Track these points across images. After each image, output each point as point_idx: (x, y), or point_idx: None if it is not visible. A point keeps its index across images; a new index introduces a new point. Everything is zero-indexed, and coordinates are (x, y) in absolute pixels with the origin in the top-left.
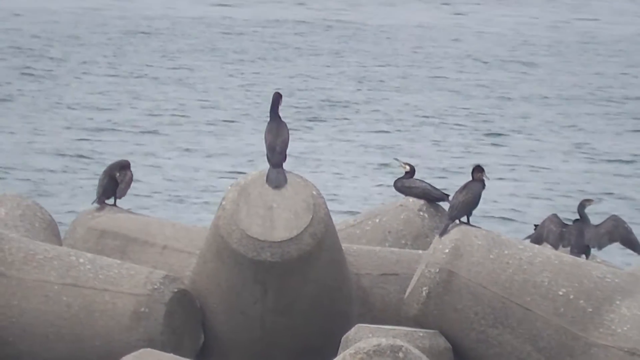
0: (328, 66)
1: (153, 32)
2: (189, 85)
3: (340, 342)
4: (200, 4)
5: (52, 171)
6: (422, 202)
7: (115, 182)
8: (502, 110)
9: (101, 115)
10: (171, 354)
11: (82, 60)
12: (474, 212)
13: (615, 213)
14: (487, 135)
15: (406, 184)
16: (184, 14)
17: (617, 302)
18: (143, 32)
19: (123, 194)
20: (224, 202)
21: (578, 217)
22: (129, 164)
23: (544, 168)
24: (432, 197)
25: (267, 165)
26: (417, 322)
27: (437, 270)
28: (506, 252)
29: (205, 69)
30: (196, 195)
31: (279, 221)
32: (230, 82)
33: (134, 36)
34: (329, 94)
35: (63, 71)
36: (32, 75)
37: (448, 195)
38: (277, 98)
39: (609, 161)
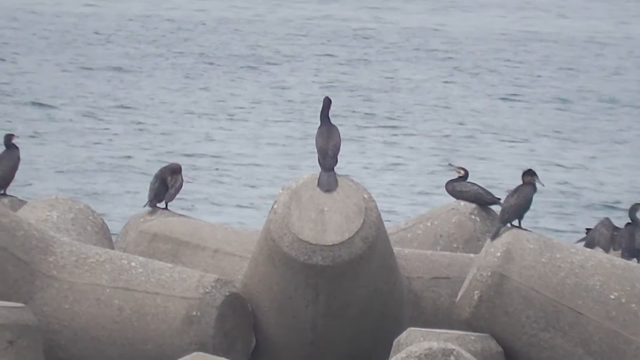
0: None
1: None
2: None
3: (391, 345)
4: None
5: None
6: (473, 205)
7: (166, 186)
8: None
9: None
10: (223, 358)
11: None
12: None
13: None
14: None
15: (457, 187)
16: None
17: None
18: None
19: (171, 198)
20: (275, 206)
21: (629, 220)
22: (180, 168)
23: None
24: (483, 200)
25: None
26: (468, 325)
27: (489, 273)
28: (558, 255)
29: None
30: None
31: (330, 225)
32: None
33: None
34: None
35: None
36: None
37: (499, 199)
38: (327, 102)
39: None
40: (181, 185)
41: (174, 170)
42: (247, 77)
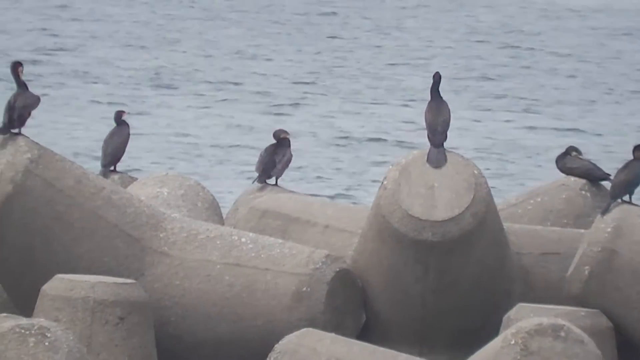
0: None
1: None
2: None
3: (501, 321)
4: None
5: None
6: (583, 181)
7: (274, 161)
8: None
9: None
10: (332, 334)
11: None
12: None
13: None
14: None
15: (568, 163)
16: None
17: None
18: None
19: (280, 173)
20: (385, 182)
21: None
22: (289, 143)
23: None
24: (594, 176)
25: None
26: (578, 301)
27: (599, 249)
28: None
29: None
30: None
31: (440, 200)
32: None
33: None
34: None
35: None
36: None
37: (610, 175)
38: (437, 77)
39: None
40: (289, 160)
41: (282, 144)
42: None
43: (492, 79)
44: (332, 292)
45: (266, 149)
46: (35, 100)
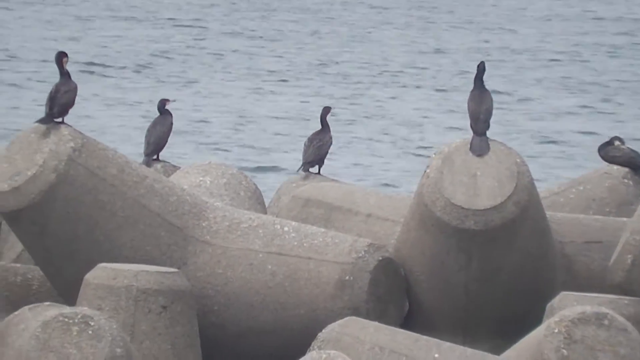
0: None
1: None
2: None
3: (544, 310)
4: None
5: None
6: (626, 169)
7: (314, 148)
8: None
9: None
10: (376, 322)
11: None
12: None
13: None
14: None
15: (610, 151)
16: None
17: None
18: None
19: (320, 160)
20: (427, 170)
21: None
22: (329, 130)
23: None
24: (636, 164)
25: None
26: (622, 289)
27: None
28: None
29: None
30: None
31: (482, 189)
32: None
33: None
34: None
35: None
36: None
37: None
38: (482, 66)
39: None
40: (329, 146)
41: (321, 131)
42: None
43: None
44: (375, 280)
45: (309, 138)
46: (75, 89)
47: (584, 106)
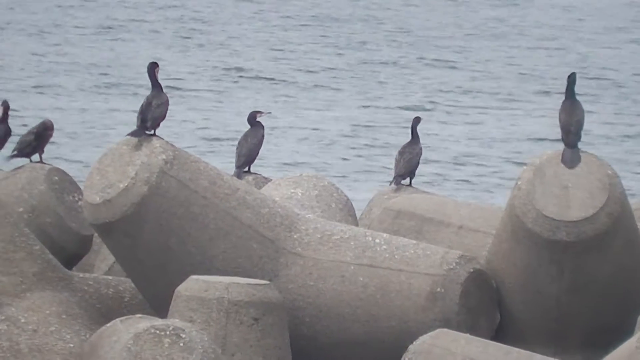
0: None
1: None
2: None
3: (636, 321)
4: None
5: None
6: None
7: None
8: None
9: None
10: (467, 334)
11: None
12: None
13: None
14: None
15: None
16: None
17: None
18: None
19: (408, 173)
20: (519, 182)
21: None
22: (419, 141)
23: None
24: None
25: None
26: None
27: None
28: None
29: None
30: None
31: (574, 201)
32: None
33: None
34: None
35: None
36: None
37: None
38: (573, 77)
39: None
40: (419, 158)
41: (411, 142)
42: None
43: None
44: (466, 292)
45: (400, 150)
46: (167, 101)
47: None
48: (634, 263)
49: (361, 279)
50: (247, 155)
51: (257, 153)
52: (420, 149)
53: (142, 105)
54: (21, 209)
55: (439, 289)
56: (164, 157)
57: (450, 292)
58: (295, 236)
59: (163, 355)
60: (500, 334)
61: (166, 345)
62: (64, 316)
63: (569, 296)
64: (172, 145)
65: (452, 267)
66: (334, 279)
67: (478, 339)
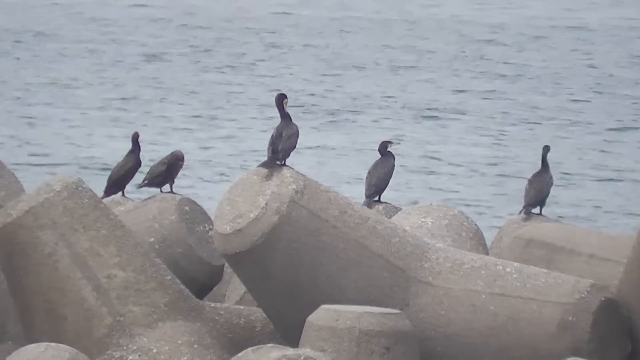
0: None
1: None
2: None
3: None
4: None
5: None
6: None
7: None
8: None
9: None
10: None
11: None
12: None
13: None
14: None
15: None
16: None
17: None
18: None
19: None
20: None
21: None
22: (549, 169)
23: None
24: None
25: None
26: None
27: None
28: None
29: None
30: None
31: None
32: None
33: None
34: None
35: None
36: None
37: None
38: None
39: None
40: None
41: (541, 171)
42: None
43: None
44: (597, 321)
45: (529, 179)
46: (297, 132)
47: None
48: None
49: (492, 308)
50: (377, 184)
51: (387, 182)
52: (551, 177)
53: (273, 136)
54: (152, 239)
55: (570, 318)
56: (294, 186)
57: (581, 321)
58: (426, 265)
59: None
60: None
61: None
62: (195, 346)
63: None
64: (302, 175)
65: (583, 295)
66: (465, 308)
67: None
